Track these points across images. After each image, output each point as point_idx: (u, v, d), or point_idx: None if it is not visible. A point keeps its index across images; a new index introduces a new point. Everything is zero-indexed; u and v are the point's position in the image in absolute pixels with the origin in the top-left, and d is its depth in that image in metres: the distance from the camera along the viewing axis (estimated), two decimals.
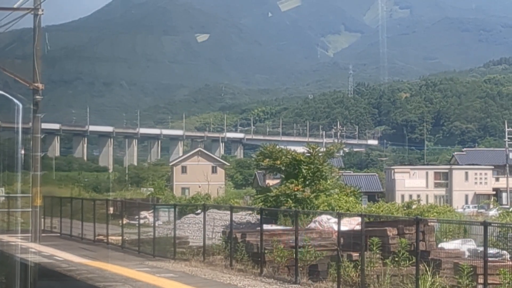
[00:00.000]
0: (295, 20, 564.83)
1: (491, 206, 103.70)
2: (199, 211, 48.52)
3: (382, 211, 51.07)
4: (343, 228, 22.25)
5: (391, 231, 21.68)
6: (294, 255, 21.99)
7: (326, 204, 49.73)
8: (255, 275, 22.99)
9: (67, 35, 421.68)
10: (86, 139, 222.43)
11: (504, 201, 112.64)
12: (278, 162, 53.24)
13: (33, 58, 36.17)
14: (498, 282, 17.61)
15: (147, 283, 22.02)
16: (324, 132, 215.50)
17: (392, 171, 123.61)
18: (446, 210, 60.60)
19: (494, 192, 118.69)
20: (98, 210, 38.18)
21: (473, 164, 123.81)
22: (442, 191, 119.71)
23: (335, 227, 23.49)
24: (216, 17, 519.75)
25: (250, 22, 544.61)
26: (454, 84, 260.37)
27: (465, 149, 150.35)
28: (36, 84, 36.27)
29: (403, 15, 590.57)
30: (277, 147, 56.45)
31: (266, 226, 27.23)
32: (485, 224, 17.15)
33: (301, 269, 21.90)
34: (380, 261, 20.11)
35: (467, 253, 21.06)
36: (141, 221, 35.17)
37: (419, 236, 18.60)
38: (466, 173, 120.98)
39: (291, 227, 29.71)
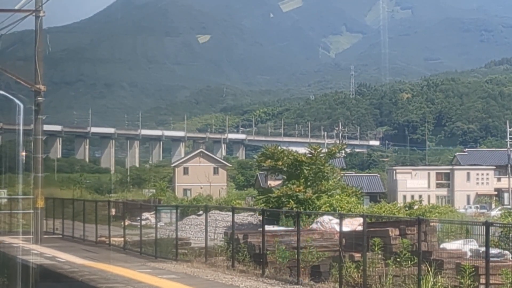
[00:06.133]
0: (297, 21, 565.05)
1: (493, 206, 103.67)
2: (201, 212, 48.56)
3: (384, 211, 51.02)
4: (345, 228, 22.25)
5: (393, 232, 21.67)
6: (296, 256, 21.99)
7: (328, 204, 49.74)
8: (257, 276, 22.99)
9: (68, 36, 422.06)
10: (88, 140, 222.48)
11: (506, 201, 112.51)
12: (280, 163, 53.30)
13: (35, 59, 36.17)
14: (500, 282, 17.60)
15: (149, 284, 22.02)
16: (325, 133, 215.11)
17: (394, 171, 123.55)
18: (448, 210, 60.60)
19: (496, 193, 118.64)
20: (100, 211, 38.15)
21: (474, 165, 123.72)
22: (444, 192, 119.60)
23: (337, 228, 23.48)
24: (217, 18, 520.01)
25: (251, 23, 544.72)
26: (456, 85, 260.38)
27: (466, 149, 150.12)
28: (38, 86, 36.28)
29: (405, 15, 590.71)
30: (279, 148, 56.53)
31: (268, 227, 27.24)
32: (487, 225, 17.14)
33: (303, 270, 21.89)
34: (382, 262, 20.11)
35: (469, 254, 21.04)
36: (143, 223, 35.16)
37: (421, 236, 18.58)
38: (468, 173, 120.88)
39: (293, 228, 29.71)
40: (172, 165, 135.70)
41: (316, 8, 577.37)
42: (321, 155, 54.13)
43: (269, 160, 53.81)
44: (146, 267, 26.50)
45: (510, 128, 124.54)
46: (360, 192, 59.32)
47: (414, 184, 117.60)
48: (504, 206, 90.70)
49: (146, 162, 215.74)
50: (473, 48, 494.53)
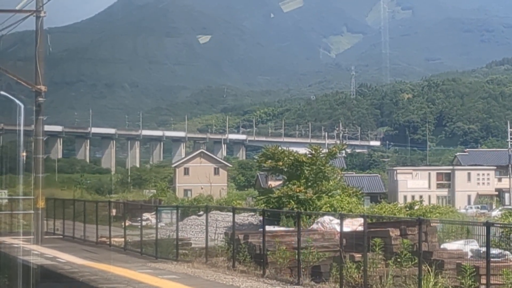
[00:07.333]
0: (297, 21, 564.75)
1: (494, 206, 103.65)
2: (201, 212, 48.54)
3: (384, 212, 50.99)
4: (346, 229, 22.23)
5: (394, 232, 21.66)
6: (297, 256, 21.99)
7: (328, 205, 49.71)
8: (257, 276, 22.99)
9: (69, 37, 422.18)
10: (88, 141, 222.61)
11: (507, 202, 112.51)
12: (281, 163, 53.28)
13: (36, 60, 36.17)
14: (500, 283, 17.60)
15: (150, 284, 22.02)
16: (326, 133, 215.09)
17: (395, 172, 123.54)
18: (449, 210, 60.62)
19: (497, 193, 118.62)
20: (100, 212, 38.14)
21: (475, 165, 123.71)
22: (444, 192, 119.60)
23: (338, 228, 23.48)
24: (218, 18, 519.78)
25: (252, 24, 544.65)
26: (457, 85, 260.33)
27: (467, 149, 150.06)
28: (38, 86, 36.28)
29: (405, 16, 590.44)
30: (279, 148, 56.50)
31: (268, 228, 27.23)
32: (488, 225, 17.14)
33: (303, 270, 21.89)
34: (382, 262, 20.10)
35: (469, 254, 21.03)
36: (144, 223, 35.16)
37: (421, 236, 18.57)
38: (469, 173, 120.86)
39: (293, 228, 29.71)
40: (173, 166, 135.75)
41: (317, 8, 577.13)
42: (322, 155, 54.09)
43: (270, 161, 53.79)
44: (146, 268, 26.51)
45: (511, 128, 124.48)
46: (360, 192, 59.28)
47: (415, 184, 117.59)
48: (505, 207, 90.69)
49: (146, 162, 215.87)
50: (474, 48, 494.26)
